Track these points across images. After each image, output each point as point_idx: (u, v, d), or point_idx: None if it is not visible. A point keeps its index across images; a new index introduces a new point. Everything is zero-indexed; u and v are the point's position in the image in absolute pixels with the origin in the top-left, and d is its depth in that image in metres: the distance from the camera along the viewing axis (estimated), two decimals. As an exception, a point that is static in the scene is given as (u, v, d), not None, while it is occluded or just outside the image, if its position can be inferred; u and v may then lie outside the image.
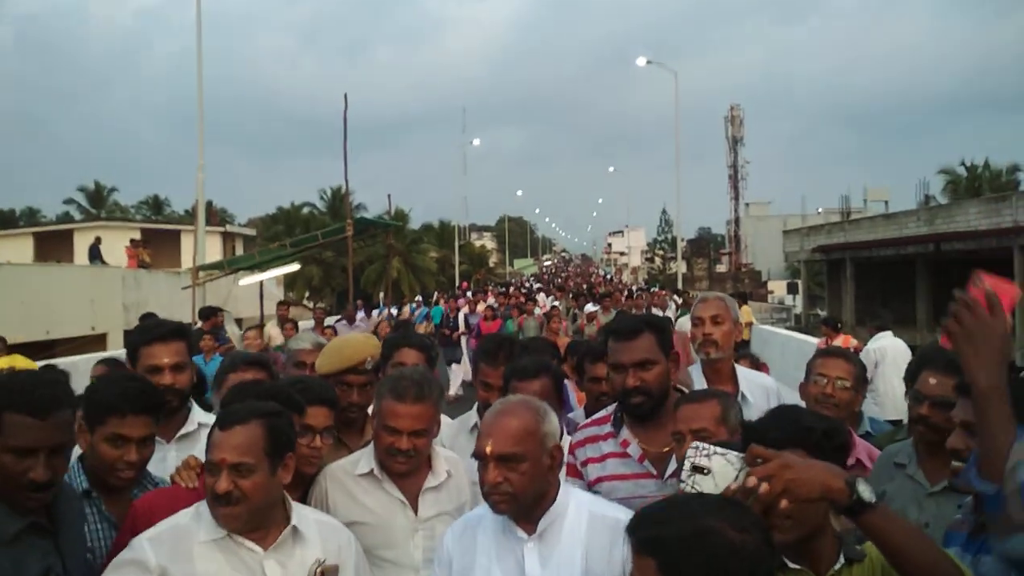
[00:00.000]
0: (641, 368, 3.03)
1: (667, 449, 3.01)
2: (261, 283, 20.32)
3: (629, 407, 3.07)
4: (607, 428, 3.16)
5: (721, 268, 62.85)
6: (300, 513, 2.50)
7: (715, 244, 77.36)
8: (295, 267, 21.92)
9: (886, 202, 47.88)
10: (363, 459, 2.96)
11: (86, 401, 2.76)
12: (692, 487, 1.72)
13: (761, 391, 3.74)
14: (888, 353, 8.37)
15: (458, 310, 18.47)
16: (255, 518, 2.36)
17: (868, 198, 50.77)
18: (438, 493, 2.96)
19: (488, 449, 2.31)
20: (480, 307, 19.14)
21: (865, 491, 1.72)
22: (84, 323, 20.54)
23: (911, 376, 3.14)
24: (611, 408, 3.22)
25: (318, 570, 2.41)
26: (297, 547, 2.41)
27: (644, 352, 3.04)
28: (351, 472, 2.95)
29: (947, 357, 3.07)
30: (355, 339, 3.77)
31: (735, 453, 1.74)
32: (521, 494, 2.32)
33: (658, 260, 77.87)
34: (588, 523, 2.42)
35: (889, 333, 8.91)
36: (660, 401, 3.08)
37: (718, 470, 1.71)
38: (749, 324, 16.39)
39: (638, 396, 3.03)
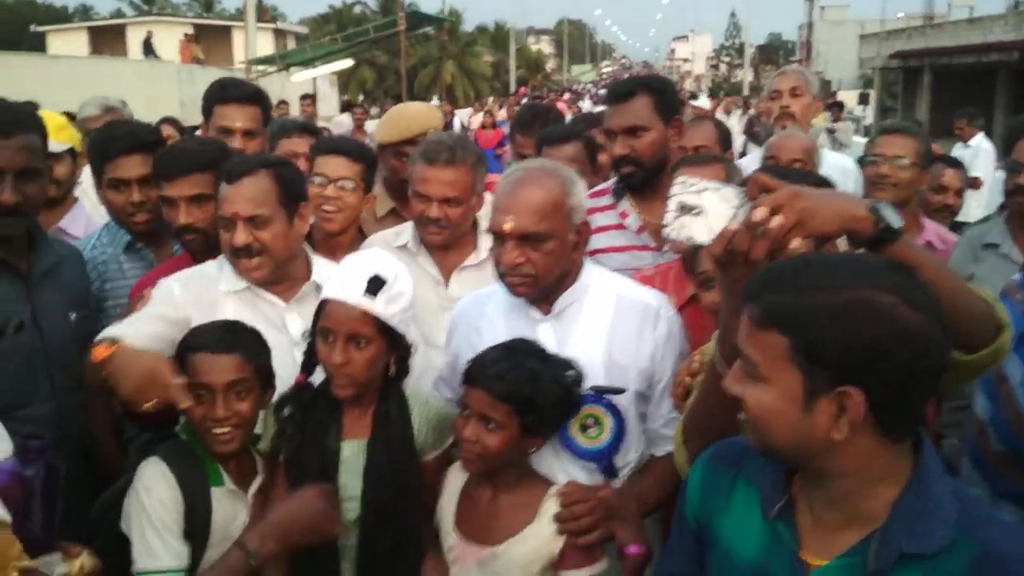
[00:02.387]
0: (631, 135, 2.80)
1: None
2: (315, 82, 20.05)
3: (620, 177, 2.88)
4: (606, 200, 2.98)
5: (789, 77, 59.97)
6: (323, 270, 2.44)
7: (785, 51, 73.66)
8: (348, 63, 21.53)
9: (971, 8, 44.59)
10: (406, 231, 2.85)
11: (88, 156, 2.71)
12: (679, 231, 1.43)
13: (840, 172, 3.57)
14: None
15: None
16: (278, 270, 2.32)
17: (952, 3, 47.29)
18: (478, 272, 2.78)
19: (507, 226, 2.02)
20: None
21: (892, 216, 1.46)
22: (141, 118, 20.60)
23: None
24: (612, 180, 3.03)
25: None
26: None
27: (635, 117, 2.80)
28: (391, 243, 2.84)
29: None
30: (416, 108, 3.58)
31: (731, 187, 1.44)
32: (543, 276, 2.07)
33: (723, 67, 74.64)
34: (615, 305, 2.17)
35: (983, 133, 8.59)
36: (656, 171, 2.85)
37: (711, 208, 1.41)
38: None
39: (627, 165, 2.82)
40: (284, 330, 2.30)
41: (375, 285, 1.97)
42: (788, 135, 3.53)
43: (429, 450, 2.12)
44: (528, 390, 1.88)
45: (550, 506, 1.95)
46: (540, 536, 1.92)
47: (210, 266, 2.40)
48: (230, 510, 2.02)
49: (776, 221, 1.34)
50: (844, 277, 1.24)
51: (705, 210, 1.42)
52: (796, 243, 1.35)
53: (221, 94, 3.23)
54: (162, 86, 21.73)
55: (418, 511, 2.08)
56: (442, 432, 2.10)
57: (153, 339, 2.12)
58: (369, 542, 2.03)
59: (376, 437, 2.05)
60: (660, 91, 2.86)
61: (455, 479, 2.04)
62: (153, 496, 1.92)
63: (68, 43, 30.45)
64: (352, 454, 2.05)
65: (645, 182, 2.86)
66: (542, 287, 2.10)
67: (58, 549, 1.74)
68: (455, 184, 2.65)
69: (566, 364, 1.99)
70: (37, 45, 30.86)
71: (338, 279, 2.03)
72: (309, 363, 2.12)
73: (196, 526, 1.96)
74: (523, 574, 1.92)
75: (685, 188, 1.43)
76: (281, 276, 2.34)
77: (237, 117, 3.16)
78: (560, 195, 2.07)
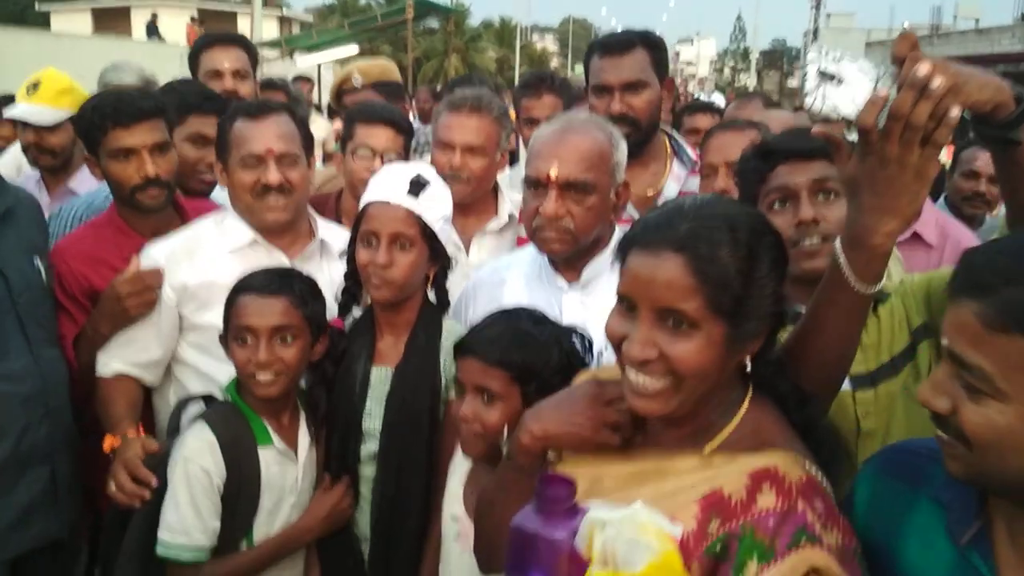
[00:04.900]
0: (630, 91, 2.60)
1: (651, 194, 2.68)
2: (319, 69, 19.92)
3: None
4: None
5: (793, 83, 60.20)
6: (328, 228, 2.39)
7: (789, 57, 73.78)
8: (353, 50, 21.32)
9: (977, 20, 44.69)
10: None
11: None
12: (821, 101, 1.26)
13: None
14: None
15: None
16: (296, 216, 2.27)
17: (958, 15, 47.33)
18: (499, 238, 2.70)
19: (553, 173, 1.88)
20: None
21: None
22: (143, 99, 20.54)
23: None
24: None
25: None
26: (324, 261, 2.30)
27: (636, 71, 2.60)
28: None
29: None
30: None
31: (865, 60, 1.29)
32: (581, 233, 1.93)
33: (727, 71, 74.58)
34: None
35: None
36: (648, 134, 2.67)
37: (852, 78, 1.26)
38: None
39: (624, 125, 2.51)
40: None
41: (417, 186, 1.97)
42: (771, 113, 3.32)
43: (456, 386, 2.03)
44: (524, 354, 1.68)
45: None
46: None
47: (204, 225, 2.31)
48: (278, 470, 1.98)
49: (937, 81, 1.15)
50: None
51: (846, 79, 1.26)
52: (955, 111, 1.17)
53: (205, 41, 3.32)
54: (164, 69, 21.50)
55: (431, 448, 2.00)
56: None
57: (156, 366, 2.25)
58: (386, 472, 1.98)
59: (404, 364, 2.00)
60: (656, 46, 2.69)
61: None
62: (194, 466, 1.88)
63: (72, 22, 30.31)
64: (380, 380, 2.01)
65: (638, 146, 2.60)
66: (578, 247, 1.96)
67: None
68: (479, 132, 2.57)
69: (569, 330, 1.82)
70: (41, 22, 30.67)
71: (380, 183, 2.01)
72: (346, 306, 2.09)
73: (244, 489, 1.92)
74: None
75: (822, 56, 1.27)
76: (288, 226, 2.28)
77: (224, 58, 3.20)
78: (607, 147, 1.95)
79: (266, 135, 2.18)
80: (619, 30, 2.92)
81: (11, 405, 2.04)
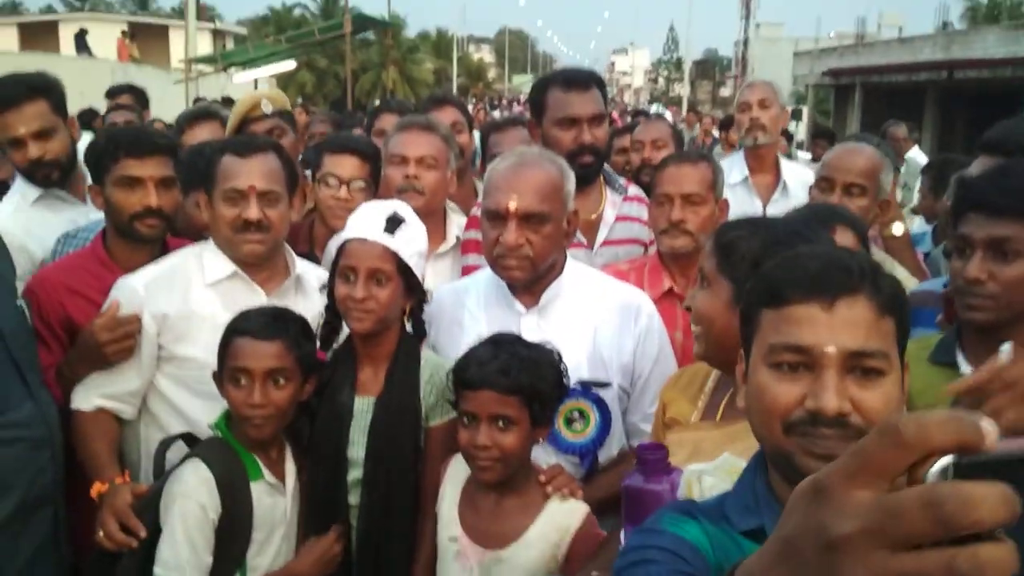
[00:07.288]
0: (595, 123, 2.81)
1: (595, 216, 2.88)
2: (256, 84, 19.73)
3: (577, 168, 2.59)
4: None
5: (725, 92, 61.43)
6: (303, 266, 2.44)
7: (721, 67, 75.21)
8: (290, 65, 21.19)
9: (900, 28, 46.25)
10: None
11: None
12: None
13: (802, 185, 3.60)
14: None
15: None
16: (272, 252, 2.31)
17: (882, 23, 48.87)
18: (451, 260, 2.82)
19: (512, 206, 2.04)
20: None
21: None
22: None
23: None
24: None
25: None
26: (299, 298, 2.35)
27: (599, 106, 2.83)
28: None
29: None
30: (249, 93, 3.68)
31: None
32: (540, 260, 2.08)
33: (662, 81, 75.76)
34: (597, 300, 2.19)
35: (917, 147, 8.80)
36: (603, 163, 2.94)
37: None
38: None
39: (591, 155, 2.79)
40: None
41: (393, 223, 2.06)
42: (848, 150, 2.85)
43: (436, 416, 2.10)
44: (531, 378, 1.84)
45: (552, 507, 1.90)
46: (545, 540, 1.87)
47: (183, 256, 2.34)
48: (269, 502, 2.02)
49: None
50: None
51: None
52: None
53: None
54: (95, 84, 20.98)
55: (415, 474, 2.07)
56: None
57: (135, 396, 2.27)
58: (371, 501, 2.03)
59: (386, 394, 2.07)
60: (603, 84, 2.94)
61: (458, 469, 1.99)
62: (191, 502, 1.90)
63: (-3, 38, 29.41)
64: (362, 410, 2.07)
65: (596, 173, 2.88)
66: (537, 272, 2.11)
67: None
68: (430, 146, 2.72)
69: (548, 348, 1.96)
70: (-37, 39, 29.73)
71: (357, 221, 2.09)
72: (328, 339, 2.15)
73: (237, 524, 1.95)
74: None
75: None
76: (266, 261, 2.31)
77: (18, 123, 2.74)
78: (559, 179, 2.12)
79: (250, 172, 2.23)
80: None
81: (22, 453, 2.02)
